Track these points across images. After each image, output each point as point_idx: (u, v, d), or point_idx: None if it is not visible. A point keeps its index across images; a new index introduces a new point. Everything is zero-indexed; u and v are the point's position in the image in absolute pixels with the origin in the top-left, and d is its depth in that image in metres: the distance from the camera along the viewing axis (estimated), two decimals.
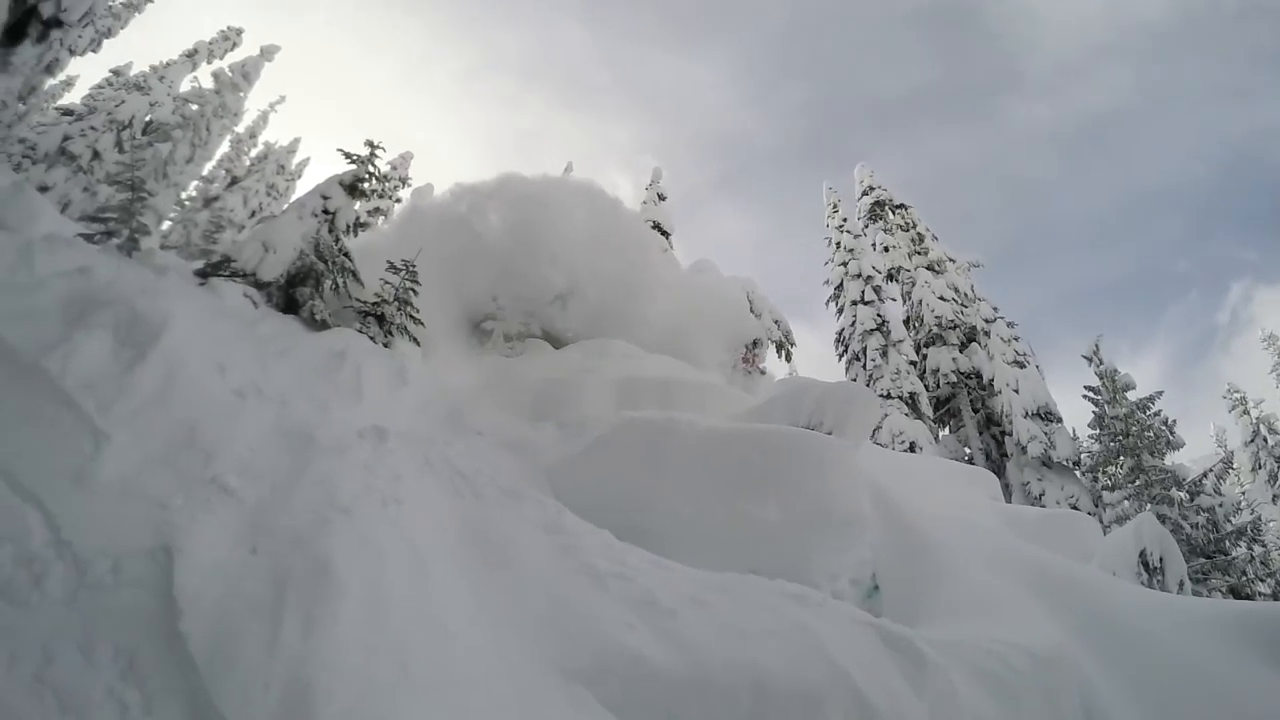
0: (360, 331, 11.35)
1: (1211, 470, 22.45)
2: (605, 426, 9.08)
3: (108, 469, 5.09)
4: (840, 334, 30.24)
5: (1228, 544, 21.29)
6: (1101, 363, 23.98)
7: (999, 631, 7.26)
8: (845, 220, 32.29)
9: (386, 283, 12.23)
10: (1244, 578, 20.47)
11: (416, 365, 10.71)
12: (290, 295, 11.30)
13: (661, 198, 28.60)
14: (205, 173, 43.08)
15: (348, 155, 12.77)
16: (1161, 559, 13.17)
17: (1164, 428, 22.62)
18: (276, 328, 10.15)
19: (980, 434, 27.46)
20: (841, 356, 29.76)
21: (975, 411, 27.81)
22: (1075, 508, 21.33)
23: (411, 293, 12.23)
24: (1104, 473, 23.19)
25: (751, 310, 25.24)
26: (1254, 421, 30.77)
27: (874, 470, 10.08)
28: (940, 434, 28.10)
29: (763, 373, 19.50)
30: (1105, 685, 7.45)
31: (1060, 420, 25.19)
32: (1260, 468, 30.52)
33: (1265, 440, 30.58)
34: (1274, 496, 29.52)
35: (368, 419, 7.57)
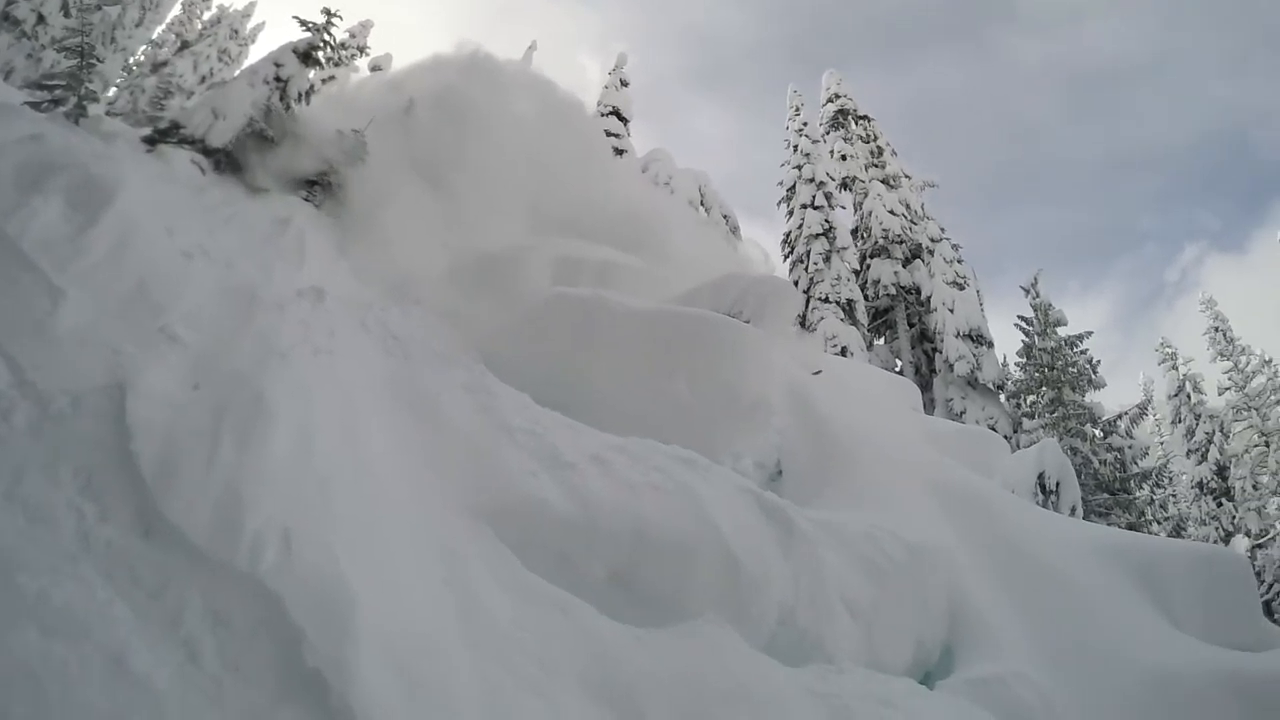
0: (306, 200, 11.64)
1: (1126, 414, 23.67)
2: (538, 301, 9.46)
3: (65, 321, 5.65)
4: (787, 236, 30.63)
5: (1132, 484, 22.54)
6: (1038, 296, 24.98)
7: (886, 522, 7.94)
8: (806, 124, 32.51)
9: (334, 152, 12.35)
10: (1143, 518, 21.76)
11: (358, 234, 11.08)
12: (238, 162, 11.52)
13: (624, 84, 28.90)
14: (154, 36, 42.30)
15: (304, 23, 12.83)
16: (1058, 484, 14.11)
17: (1088, 366, 23.75)
18: (224, 194, 10.47)
19: (913, 348, 28.25)
20: (787, 258, 30.17)
21: (911, 326, 28.55)
22: (993, 429, 22.20)
23: (359, 163, 12.41)
24: (1025, 400, 24.29)
25: (702, 203, 25.71)
26: (1180, 378, 32.13)
27: (794, 365, 10.62)
28: (874, 343, 28.84)
29: None
30: (979, 584, 8.22)
31: (991, 345, 26.06)
32: (1180, 422, 31.97)
33: (1188, 397, 31.98)
34: (1188, 451, 30.97)
35: (308, 282, 8.05)
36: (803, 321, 25.78)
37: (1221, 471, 30.50)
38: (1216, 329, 32.53)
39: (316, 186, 11.95)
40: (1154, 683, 7.58)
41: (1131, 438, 23.15)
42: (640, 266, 12.62)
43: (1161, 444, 34.43)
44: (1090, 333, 24.23)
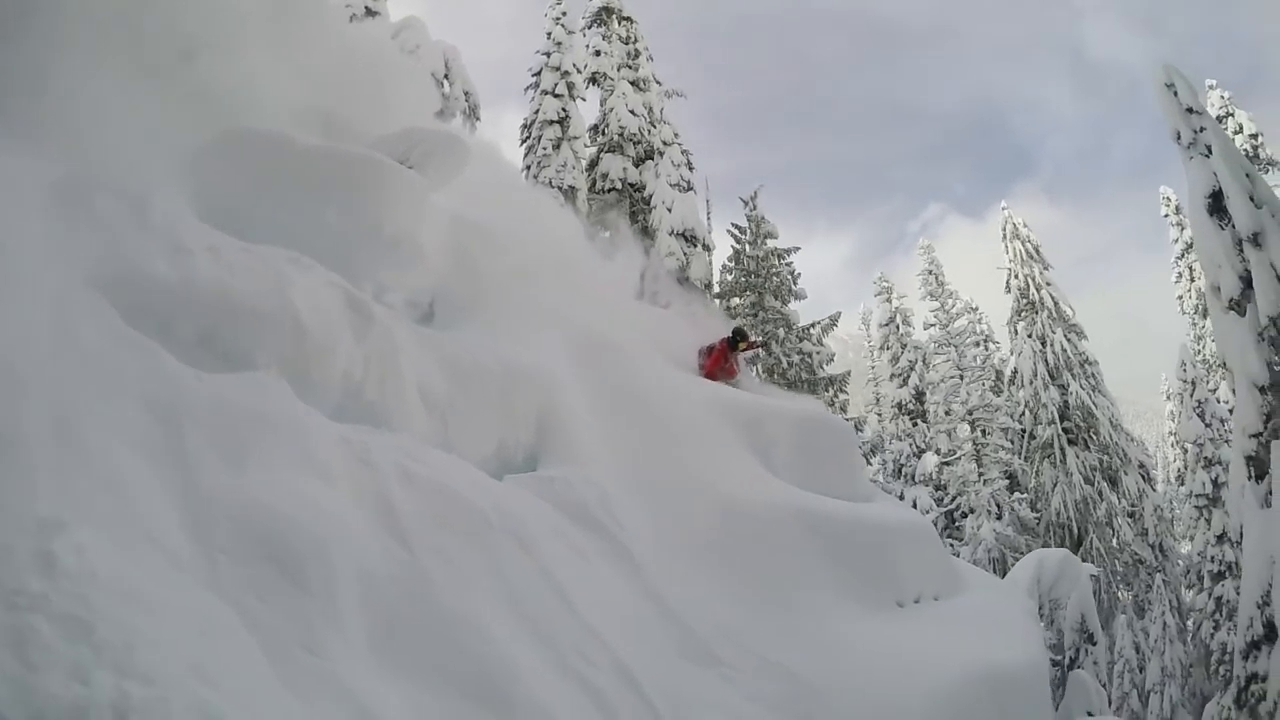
0: None
1: (819, 323, 26.26)
2: (228, 132, 9.42)
3: None
4: (525, 122, 31.36)
5: (820, 388, 25.08)
6: (755, 209, 27.11)
7: (503, 350, 8.98)
8: (565, 14, 32.83)
9: None
10: None
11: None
12: None
13: None
14: None
15: None
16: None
17: (790, 278, 26.09)
18: None
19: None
20: (523, 143, 30.88)
21: (634, 222, 30.03)
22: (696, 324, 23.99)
23: None
24: (729, 302, 26.44)
25: (446, 77, 26.06)
26: (893, 309, 35.34)
27: (468, 216, 11.15)
28: (599, 236, 30.18)
29: None
30: (582, 411, 9.38)
31: (708, 249, 27.86)
32: (887, 348, 35.26)
33: (898, 327, 35.25)
34: (892, 375, 34.22)
35: None
36: None
37: (919, 396, 33.98)
38: (930, 272, 36.00)
39: None
40: (726, 509, 8.97)
41: (821, 345, 25.70)
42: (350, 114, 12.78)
43: (872, 367, 37.80)
44: (798, 248, 26.58)
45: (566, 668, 6.14)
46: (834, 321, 26.76)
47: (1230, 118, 32.21)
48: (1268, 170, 31.57)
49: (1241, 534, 15.60)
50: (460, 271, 10.12)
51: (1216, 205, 15.63)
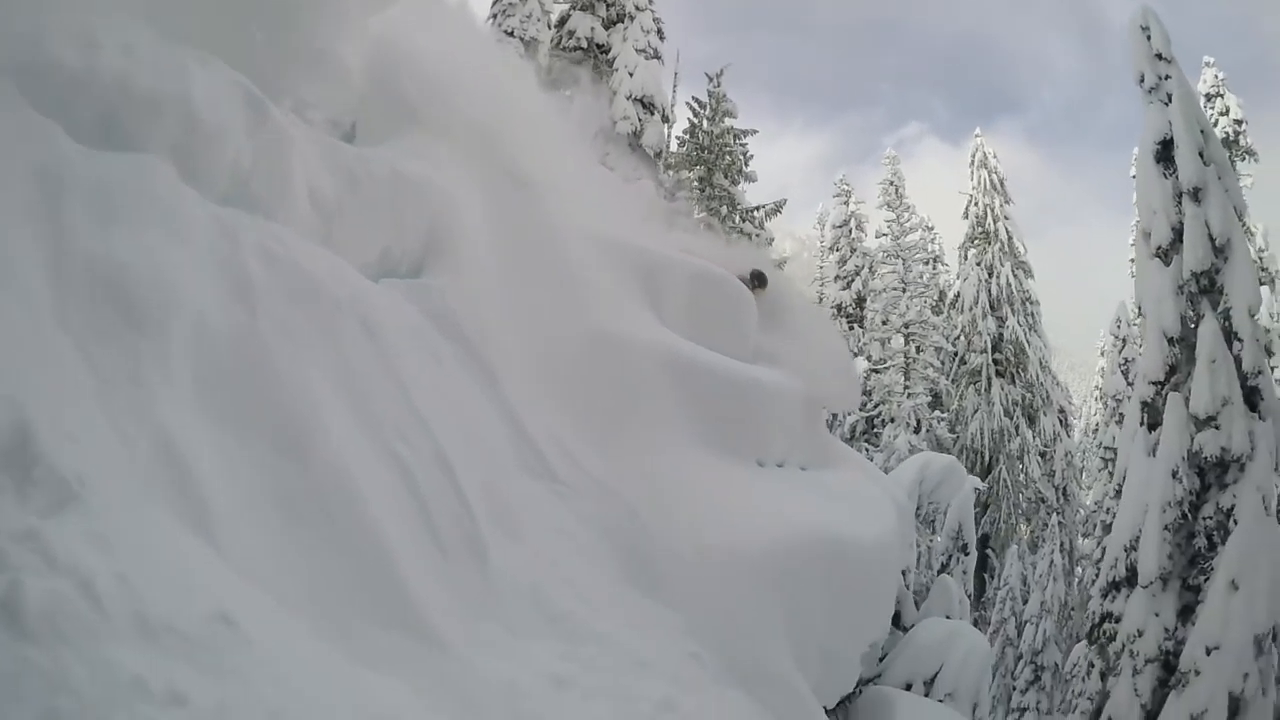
0: None
1: (763, 208, 26.35)
2: None
3: None
4: None
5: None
6: (719, 85, 26.89)
7: (404, 164, 8.95)
8: None
9: None
10: None
11: None
12: None
13: None
14: None
15: None
16: None
17: (742, 158, 26.06)
18: None
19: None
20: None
21: (595, 85, 29.72)
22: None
23: None
24: (679, 173, 26.39)
25: None
26: (849, 213, 35.46)
27: (409, 50, 11.03)
28: (555, 91, 29.77)
29: None
30: (481, 236, 9.33)
31: (666, 120, 27.65)
32: (837, 250, 35.48)
33: (850, 231, 35.43)
34: (837, 276, 34.50)
35: None
36: None
37: (860, 302, 34.41)
38: (892, 182, 36.11)
39: None
40: (597, 341, 9.14)
41: (763, 229, 25.82)
42: None
43: (820, 268, 38.06)
44: (755, 131, 26.53)
45: (383, 445, 6.34)
46: (778, 208, 26.89)
47: (1219, 98, 32.09)
48: (1244, 159, 31.52)
49: (1125, 478, 16.04)
50: (387, 96, 9.91)
51: (1165, 154, 15.67)
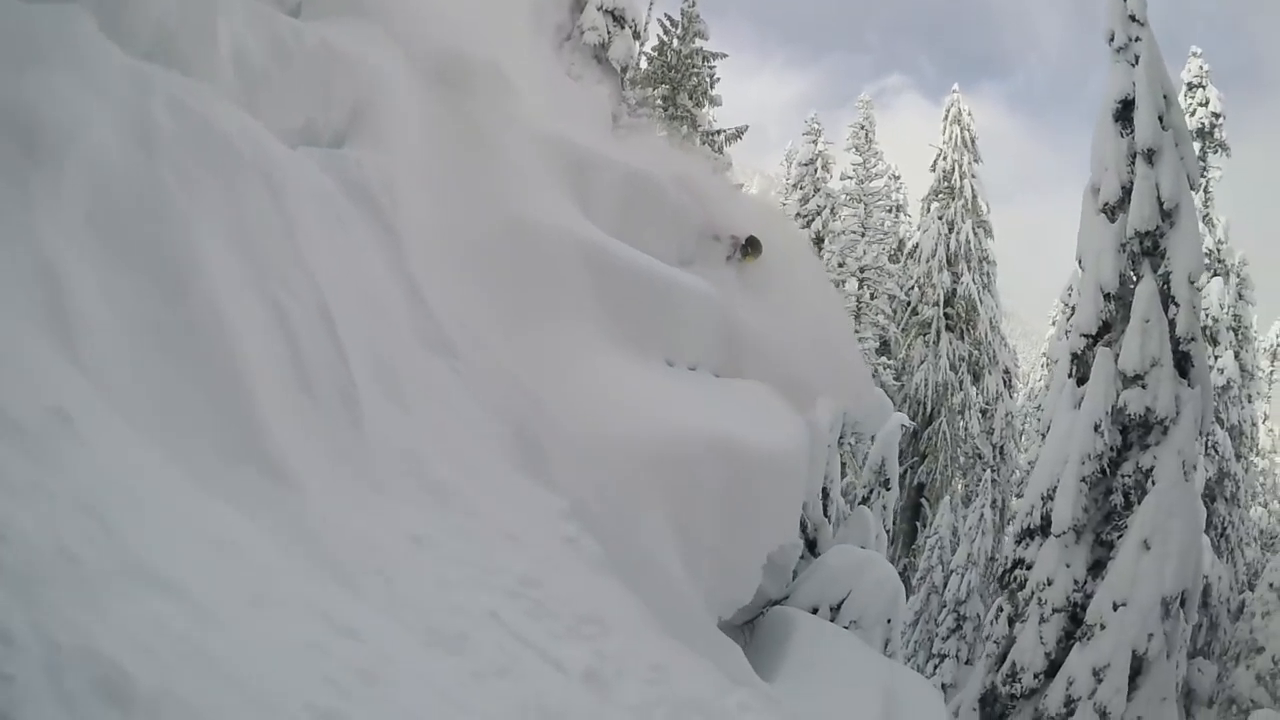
0: None
1: (723, 132, 26.22)
2: None
3: None
4: None
5: None
6: (694, 5, 26.52)
7: (337, 38, 9.08)
8: None
9: None
10: None
11: None
12: None
13: None
14: None
15: None
16: None
17: (708, 81, 25.85)
18: None
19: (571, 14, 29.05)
20: None
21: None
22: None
23: None
24: (642, 90, 26.08)
25: None
26: (816, 152, 35.27)
27: None
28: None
29: None
30: (406, 112, 9.49)
31: (637, 36, 27.13)
32: (800, 188, 35.36)
33: (816, 171, 35.28)
34: (798, 215, 34.35)
35: None
36: None
37: (819, 242, 34.28)
38: (862, 126, 35.96)
39: None
40: (514, 228, 9.24)
41: (721, 154, 25.66)
42: None
43: (784, 204, 37.94)
44: (724, 55, 26.21)
45: (264, 291, 6.40)
46: (739, 133, 26.65)
47: (1201, 89, 32.01)
48: (1217, 152, 31.59)
49: (1049, 428, 16.23)
50: None
51: (1124, 113, 15.68)
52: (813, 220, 34.47)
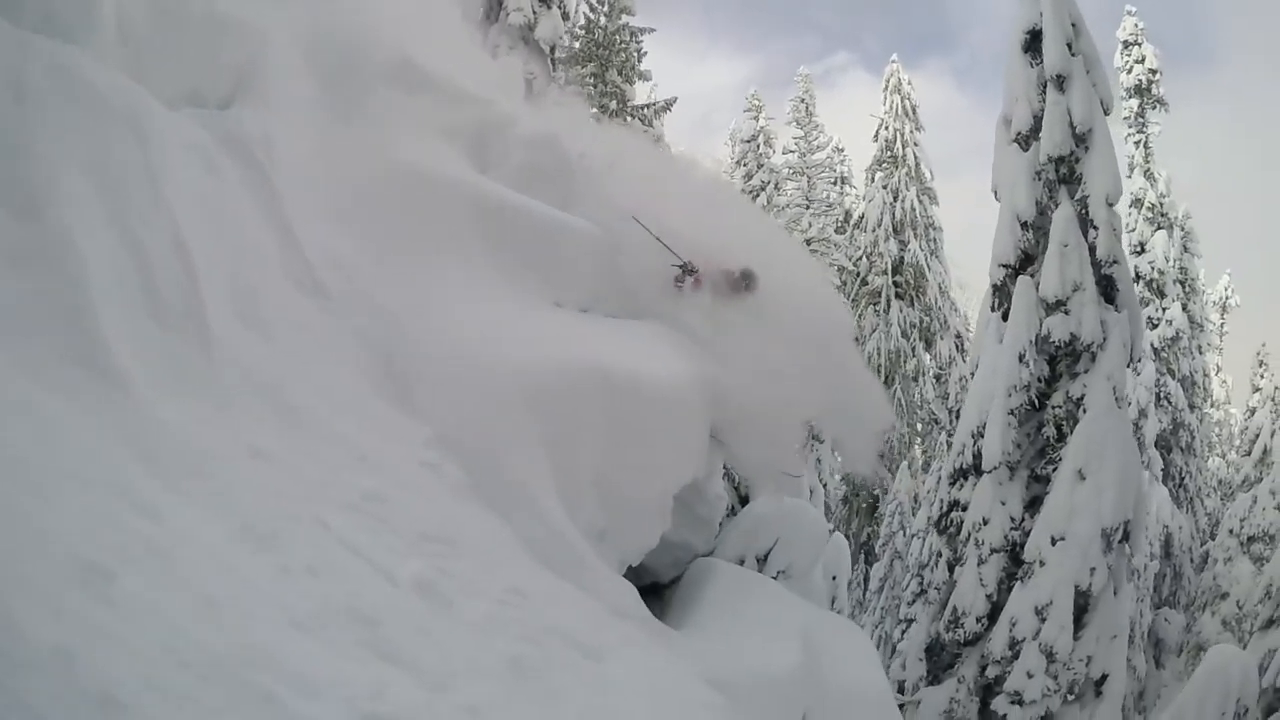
0: None
1: (652, 105, 25.86)
2: None
3: None
4: None
5: None
6: None
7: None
8: None
9: None
10: None
11: None
12: None
13: None
14: None
15: None
16: None
17: (635, 56, 25.45)
18: None
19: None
20: None
21: None
22: (530, 82, 23.38)
23: None
24: (570, 67, 25.74)
25: None
26: (758, 128, 35.04)
27: None
28: None
29: None
30: (295, 78, 9.27)
31: (566, 17, 26.70)
32: (743, 165, 35.09)
33: (758, 147, 35.06)
34: (741, 191, 34.07)
35: None
36: None
37: None
38: (802, 100, 35.81)
39: None
40: (403, 176, 9.03)
41: (652, 126, 25.30)
42: None
43: (731, 177, 37.72)
44: (653, 29, 25.95)
45: (122, 226, 6.32)
46: (668, 105, 26.25)
47: (1137, 46, 32.03)
48: (1156, 108, 31.74)
49: (976, 366, 15.84)
50: None
51: (1033, 44, 15.31)
52: (757, 196, 34.17)
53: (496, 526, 7.23)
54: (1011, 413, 14.36)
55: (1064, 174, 14.73)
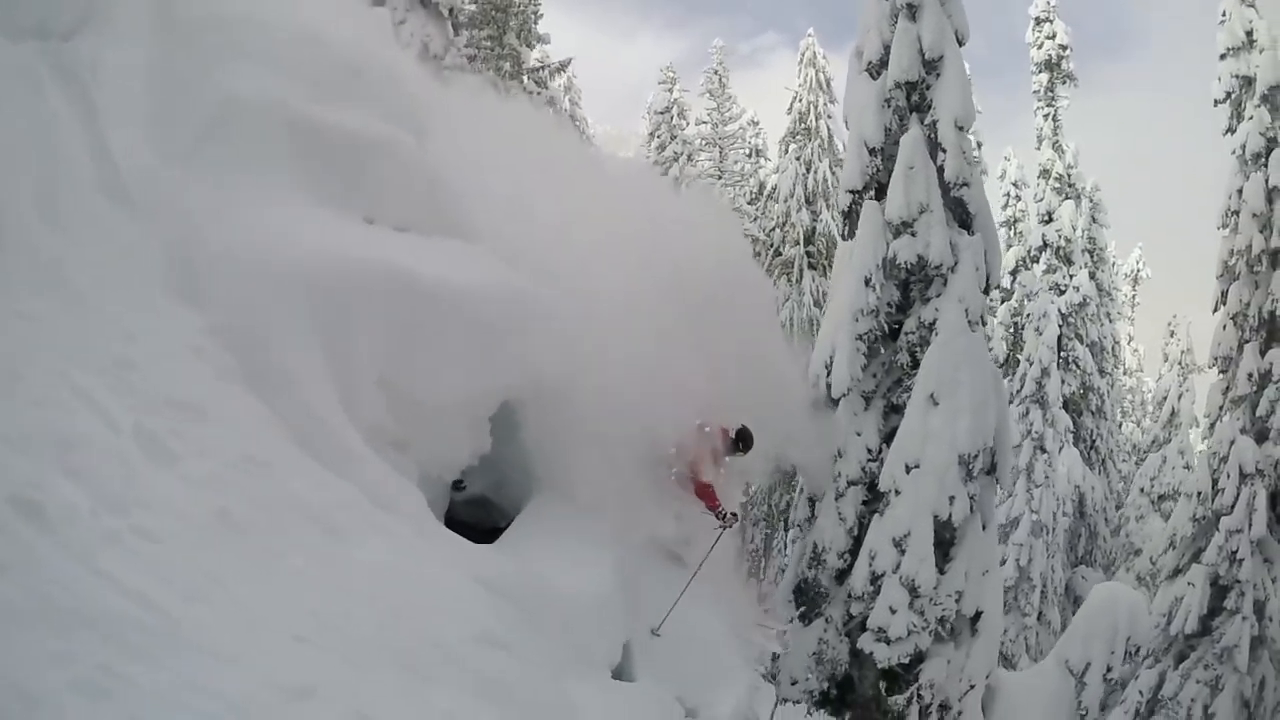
0: None
1: (546, 67, 25.55)
2: None
3: None
4: None
5: None
6: None
7: None
8: None
9: None
10: None
11: None
12: None
13: None
14: None
15: None
16: None
17: (532, 18, 25.15)
18: None
19: None
20: None
21: None
22: (427, 47, 22.94)
23: None
24: (470, 33, 25.39)
25: None
26: (671, 100, 34.84)
27: None
28: None
29: None
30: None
31: None
32: (656, 137, 34.82)
33: (672, 118, 34.87)
34: (655, 163, 33.89)
35: None
36: None
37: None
38: (716, 72, 35.61)
39: None
40: (226, 103, 9.02)
41: (546, 88, 25.02)
42: None
43: (649, 159, 37.49)
44: None
45: None
46: (563, 66, 26.15)
47: (1049, 22, 32.43)
48: (1065, 83, 32.72)
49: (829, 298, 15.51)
50: None
51: None
52: (669, 167, 33.92)
53: (255, 406, 7.29)
54: (860, 338, 13.97)
55: (915, 101, 14.36)
